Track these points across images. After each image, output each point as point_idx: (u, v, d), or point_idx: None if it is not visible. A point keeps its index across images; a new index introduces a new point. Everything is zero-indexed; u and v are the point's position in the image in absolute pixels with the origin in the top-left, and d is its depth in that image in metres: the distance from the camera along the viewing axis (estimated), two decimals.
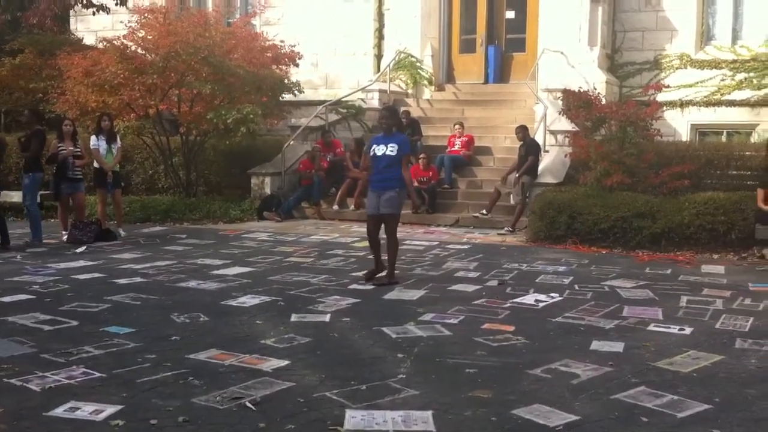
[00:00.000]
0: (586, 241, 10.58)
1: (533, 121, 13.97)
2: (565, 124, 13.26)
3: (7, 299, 7.05)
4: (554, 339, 5.84)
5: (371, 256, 8.29)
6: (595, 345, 5.63)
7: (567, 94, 13.45)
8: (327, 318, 6.44)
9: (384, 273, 7.95)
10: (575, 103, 13.05)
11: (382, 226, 7.97)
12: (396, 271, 8.09)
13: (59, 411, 4.11)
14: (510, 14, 17.09)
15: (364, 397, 4.43)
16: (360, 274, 8.32)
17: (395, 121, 8.10)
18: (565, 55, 14.83)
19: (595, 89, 13.50)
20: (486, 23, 17.11)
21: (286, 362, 5.12)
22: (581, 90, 13.20)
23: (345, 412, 4.18)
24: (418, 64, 16.97)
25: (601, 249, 10.34)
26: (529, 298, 7.25)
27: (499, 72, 16.97)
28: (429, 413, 4.17)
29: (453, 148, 14.25)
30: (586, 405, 4.37)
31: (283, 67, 14.91)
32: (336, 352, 5.42)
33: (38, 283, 7.86)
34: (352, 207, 13.72)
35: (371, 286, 7.76)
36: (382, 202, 7.79)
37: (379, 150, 7.82)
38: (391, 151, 7.74)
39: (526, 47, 16.68)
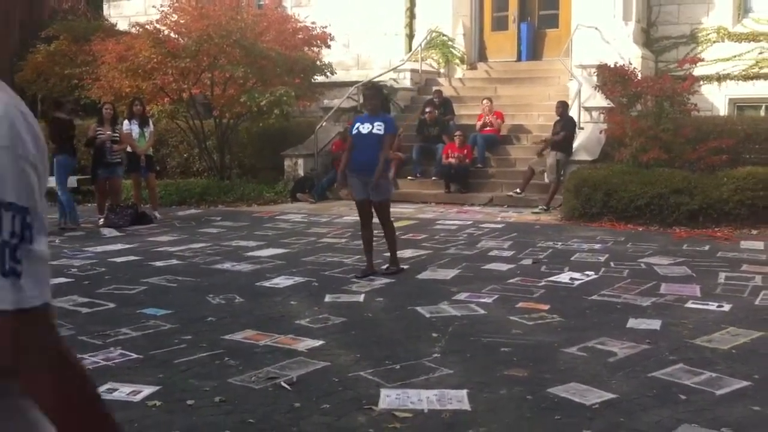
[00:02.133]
0: (622, 218, 10.45)
1: (567, 98, 13.79)
2: (599, 101, 13.08)
3: None
4: (590, 317, 5.79)
5: (405, 236, 8.24)
6: (632, 323, 5.57)
7: (602, 69, 13.25)
8: (361, 298, 6.45)
9: (386, 266, 7.52)
10: (610, 78, 12.85)
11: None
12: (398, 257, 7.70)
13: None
14: None
15: (399, 376, 4.43)
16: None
17: (380, 100, 7.67)
18: (600, 30, 14.60)
19: (630, 64, 13.29)
20: (518, 0, 16.91)
21: (321, 342, 5.13)
22: (616, 65, 13.01)
23: (380, 391, 4.19)
24: (449, 42, 16.84)
25: (638, 226, 10.22)
26: (564, 277, 7.19)
27: (532, 49, 16.77)
28: (464, 392, 4.16)
29: (485, 127, 14.12)
30: (622, 383, 4.33)
31: (315, 49, 14.89)
32: (370, 332, 5.43)
33: (76, 266, 7.98)
34: None
35: (405, 266, 7.73)
36: (372, 188, 7.21)
37: (365, 128, 7.20)
38: (378, 129, 7.14)
39: (560, 23, 16.46)
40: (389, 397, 4.10)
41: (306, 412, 3.94)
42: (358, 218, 7.76)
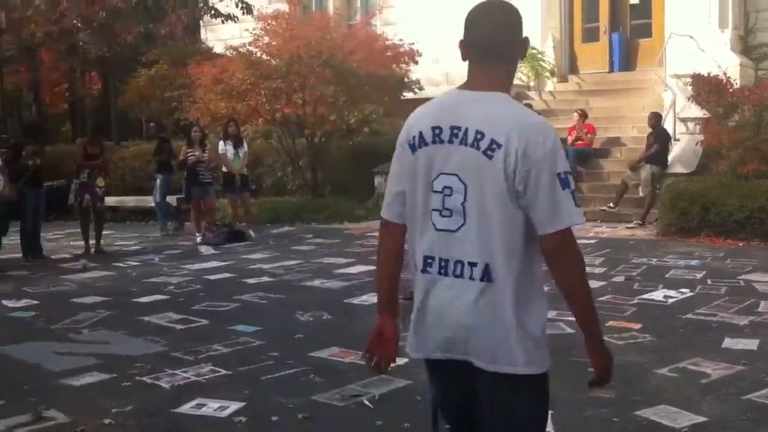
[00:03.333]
0: (720, 233, 10.09)
1: (662, 108, 13.45)
2: (695, 111, 12.70)
3: (143, 300, 7.43)
4: (683, 336, 5.62)
5: None
6: (728, 342, 5.37)
7: (697, 79, 12.86)
8: None
9: None
10: (706, 88, 12.47)
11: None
12: None
13: (186, 407, 4.30)
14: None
15: None
16: None
17: None
18: (695, 38, 14.15)
19: (725, 73, 12.86)
20: (609, 10, 16.60)
21: (405, 360, 5.12)
22: (711, 74, 12.61)
23: None
24: (539, 55, 16.66)
25: (738, 241, 9.84)
26: (658, 294, 7.00)
27: (625, 59, 16.42)
28: (548, 413, 4.09)
29: (577, 140, 13.90)
30: (715, 405, 4.18)
31: (403, 66, 15.00)
32: None
33: (173, 283, 8.25)
34: None
35: None
36: None
37: None
38: None
39: (653, 32, 16.06)
40: None
41: (388, 430, 3.96)
42: None
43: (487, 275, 2.14)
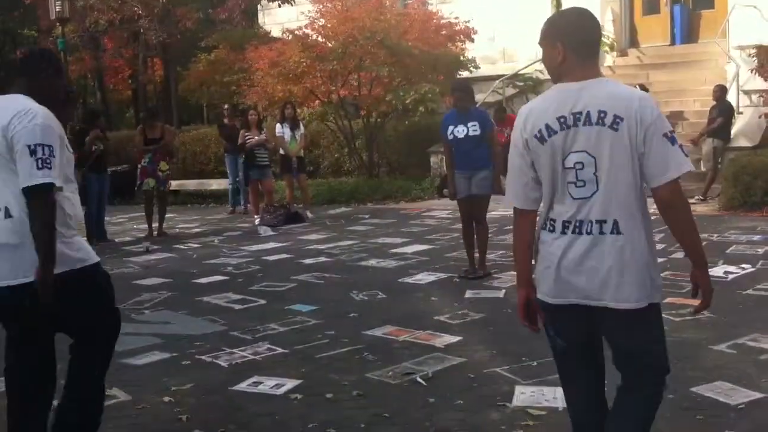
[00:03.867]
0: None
1: (725, 81, 13.11)
2: (759, 83, 12.35)
3: (203, 280, 7.60)
4: (742, 313, 5.52)
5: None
6: None
7: (761, 50, 12.48)
8: (501, 294, 6.43)
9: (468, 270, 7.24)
10: None
11: None
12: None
13: (243, 385, 4.41)
14: None
15: (535, 373, 4.41)
16: None
17: (470, 98, 7.48)
18: (759, 8, 13.74)
19: None
20: None
21: (459, 338, 5.18)
22: None
23: (514, 387, 4.19)
24: None
25: None
26: (718, 270, 6.87)
27: (686, 32, 16.03)
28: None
29: None
30: None
31: (459, 44, 14.91)
32: (508, 328, 5.41)
33: (232, 264, 8.41)
34: None
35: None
36: (474, 183, 7.11)
37: (460, 132, 7.09)
38: (474, 131, 7.06)
39: (715, 3, 15.65)
40: (524, 394, 4.10)
41: (440, 407, 4.00)
42: (502, 213, 7.69)
43: (616, 229, 2.64)
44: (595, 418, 2.90)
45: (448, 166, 7.49)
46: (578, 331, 2.80)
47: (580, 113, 2.63)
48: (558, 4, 17.16)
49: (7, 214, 3.08)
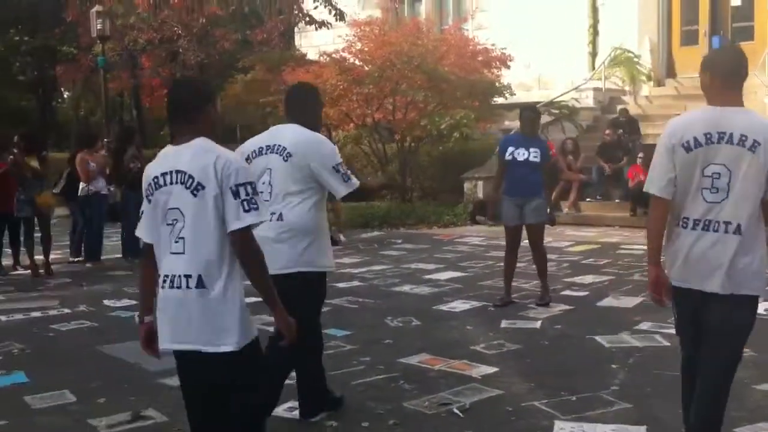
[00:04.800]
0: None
1: (765, 113, 12.96)
2: None
3: None
4: None
5: (586, 261, 8.02)
6: None
7: None
8: (538, 325, 6.36)
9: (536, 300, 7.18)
10: None
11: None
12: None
13: (279, 410, 4.37)
14: (736, 1, 16.00)
15: (574, 409, 4.34)
16: (574, 279, 8.16)
17: (538, 124, 7.46)
18: None
19: None
20: (709, 12, 16.14)
21: (495, 369, 5.12)
22: None
23: (554, 423, 4.13)
24: (635, 59, 16.34)
25: None
26: (760, 308, 6.72)
27: None
28: (643, 428, 4.02)
29: None
30: None
31: (495, 71, 14.92)
32: (546, 361, 5.35)
33: None
34: (566, 210, 13.46)
35: (585, 293, 7.56)
36: (528, 211, 7.01)
37: (520, 155, 6.98)
38: (535, 157, 6.95)
39: (755, 35, 15.54)
40: (563, 430, 4.03)
41: None
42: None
43: (739, 231, 3.30)
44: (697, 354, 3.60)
45: (495, 188, 7.44)
46: (690, 311, 3.52)
47: (724, 133, 3.29)
48: (594, 32, 17.16)
49: None
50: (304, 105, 4.22)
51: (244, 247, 2.90)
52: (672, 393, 4.60)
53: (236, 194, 2.85)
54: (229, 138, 20.35)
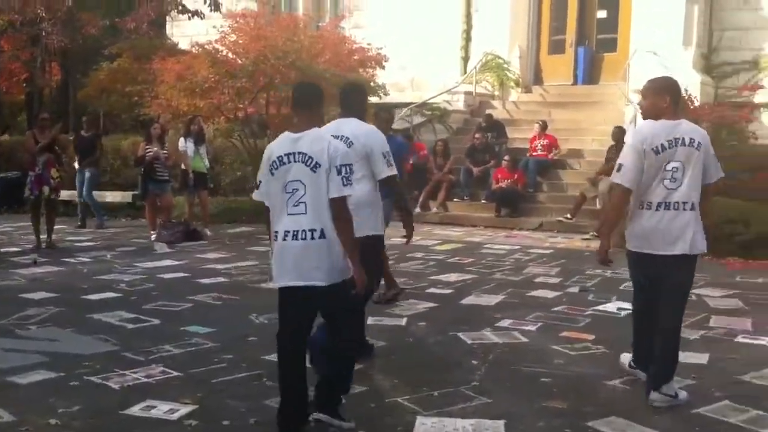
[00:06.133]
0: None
1: (622, 122, 13.60)
2: None
3: (94, 297, 7.30)
4: None
5: (451, 259, 8.16)
6: (679, 356, 5.42)
7: None
8: (403, 322, 6.42)
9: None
10: None
11: None
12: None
13: (135, 409, 4.23)
14: (602, 14, 16.73)
15: (436, 404, 4.40)
16: (439, 277, 8.30)
17: (391, 123, 7.24)
18: (659, 55, 14.36)
19: (687, 90, 13.04)
20: (576, 23, 16.79)
21: (360, 366, 5.09)
22: None
23: (416, 418, 4.16)
24: (505, 65, 16.79)
25: None
26: (611, 306, 7.05)
27: (589, 73, 16.61)
28: (501, 423, 4.11)
29: (535, 152, 14.04)
30: (665, 418, 4.23)
31: (370, 70, 14.98)
32: (410, 357, 5.40)
33: (125, 281, 8.11)
34: (434, 209, 13.70)
35: (449, 291, 7.70)
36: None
37: None
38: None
39: (618, 47, 16.28)
40: (425, 425, 4.07)
41: None
42: (403, 240, 7.60)
43: (693, 207, 4.50)
44: (650, 325, 4.66)
45: None
46: (652, 270, 4.59)
47: (679, 138, 4.48)
48: (467, 37, 17.54)
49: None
50: (361, 102, 5.51)
51: (341, 211, 3.89)
52: (528, 387, 4.75)
53: (339, 172, 3.86)
54: (94, 126, 19.59)
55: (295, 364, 4.03)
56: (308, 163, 3.88)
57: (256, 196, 4.09)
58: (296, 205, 3.87)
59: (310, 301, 3.93)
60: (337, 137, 4.67)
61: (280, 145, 4.02)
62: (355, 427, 4.04)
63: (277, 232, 3.93)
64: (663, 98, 4.53)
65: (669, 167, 4.43)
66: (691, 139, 4.48)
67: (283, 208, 3.91)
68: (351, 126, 5.14)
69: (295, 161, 3.91)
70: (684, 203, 4.46)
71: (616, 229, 4.90)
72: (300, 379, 4.02)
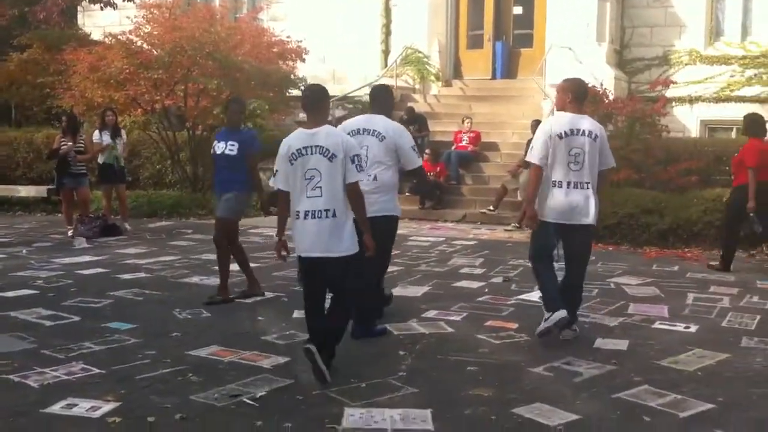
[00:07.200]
0: (593, 237, 10.46)
1: (541, 116, 13.87)
2: None
3: (10, 294, 7.05)
4: (557, 337, 5.76)
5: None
6: (599, 343, 5.58)
7: None
8: None
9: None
10: None
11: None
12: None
13: (56, 408, 4.10)
14: (517, 10, 17.02)
15: (363, 395, 4.40)
16: None
17: (239, 114, 7.15)
18: (573, 50, 14.72)
19: (602, 85, 13.40)
20: (493, 19, 17.05)
21: (287, 359, 5.09)
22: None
23: (343, 410, 4.15)
24: (425, 59, 16.91)
25: (608, 245, 10.25)
26: (534, 295, 7.15)
27: (507, 68, 16.90)
28: (428, 412, 4.13)
29: (460, 144, 14.20)
30: (587, 404, 4.32)
31: (290, 63, 14.87)
32: (337, 349, 5.37)
33: (42, 278, 7.86)
34: None
35: None
36: (220, 204, 6.98)
37: (219, 148, 6.86)
38: (231, 150, 6.78)
39: (534, 43, 16.60)
40: (353, 417, 4.07)
41: (268, 430, 3.89)
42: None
43: (592, 187, 5.49)
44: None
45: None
46: (554, 234, 5.56)
47: (579, 129, 5.45)
48: (387, 31, 17.59)
49: None
50: (388, 101, 6.18)
51: (355, 192, 4.70)
52: (454, 376, 4.80)
53: (352, 160, 4.66)
54: (3, 119, 18.89)
55: (316, 311, 4.86)
56: (326, 154, 4.64)
57: (272, 182, 4.80)
58: (313, 189, 4.64)
59: (323, 267, 4.69)
60: (368, 130, 5.78)
61: (297, 139, 4.73)
62: (330, 383, 4.51)
63: (298, 211, 4.68)
64: (566, 95, 5.52)
65: (572, 152, 5.39)
66: (590, 131, 5.43)
67: (303, 192, 4.66)
68: (382, 122, 5.84)
69: (313, 153, 4.66)
70: (587, 183, 5.43)
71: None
72: (321, 320, 4.85)
